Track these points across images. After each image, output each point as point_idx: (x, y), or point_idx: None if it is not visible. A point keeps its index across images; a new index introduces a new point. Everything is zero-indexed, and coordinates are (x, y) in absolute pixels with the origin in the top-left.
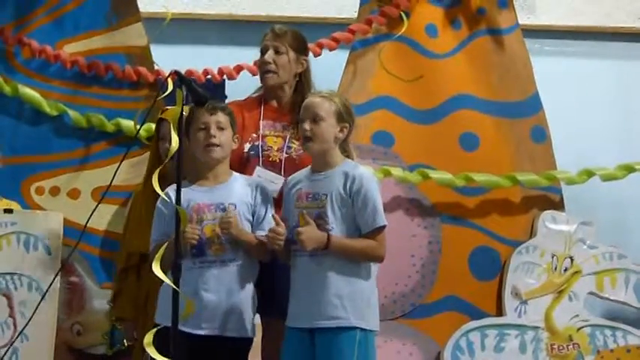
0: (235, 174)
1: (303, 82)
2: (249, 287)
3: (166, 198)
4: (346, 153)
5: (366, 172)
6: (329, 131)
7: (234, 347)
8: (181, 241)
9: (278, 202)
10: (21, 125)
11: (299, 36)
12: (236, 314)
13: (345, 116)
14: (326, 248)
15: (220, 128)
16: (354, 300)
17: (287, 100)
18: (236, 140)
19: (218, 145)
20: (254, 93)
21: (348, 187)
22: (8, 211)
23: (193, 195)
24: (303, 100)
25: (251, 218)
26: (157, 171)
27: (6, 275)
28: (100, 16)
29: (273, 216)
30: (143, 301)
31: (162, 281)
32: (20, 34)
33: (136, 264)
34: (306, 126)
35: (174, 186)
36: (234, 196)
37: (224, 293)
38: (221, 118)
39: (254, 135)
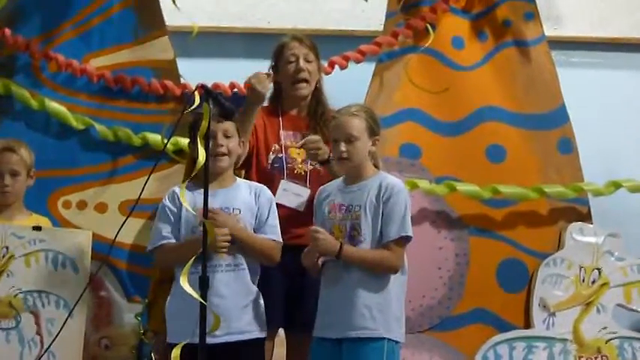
0: (239, 179)
1: (318, 87)
2: (255, 290)
3: (192, 210)
4: (374, 160)
5: (398, 183)
6: (363, 149)
7: (247, 351)
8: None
9: (306, 214)
10: (48, 139)
11: (315, 42)
12: (246, 319)
13: (375, 129)
14: (337, 257)
15: (227, 136)
16: (383, 311)
17: (305, 107)
18: (241, 145)
19: (225, 154)
20: (269, 104)
21: (380, 196)
22: (37, 228)
23: (198, 198)
24: (319, 104)
25: (254, 223)
26: (184, 183)
27: (34, 293)
28: (126, 30)
29: None
30: None
31: (179, 296)
32: (47, 48)
33: (171, 277)
34: (342, 147)
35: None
36: (239, 201)
37: (233, 298)
38: (228, 125)
39: (276, 146)
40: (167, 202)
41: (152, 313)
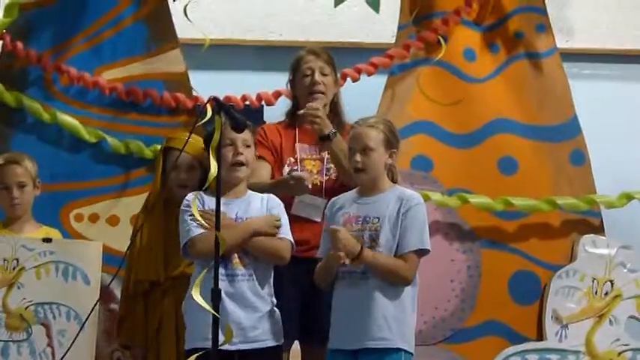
0: (249, 191)
1: (335, 101)
2: (269, 299)
3: (201, 219)
4: (391, 174)
5: (417, 196)
6: (379, 160)
7: (264, 359)
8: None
9: (321, 226)
10: (60, 152)
11: (331, 55)
12: (262, 328)
13: (392, 142)
14: (358, 257)
15: (246, 146)
16: (400, 322)
17: None
18: (256, 157)
19: (244, 164)
20: (286, 118)
21: (400, 209)
22: (47, 240)
23: (213, 206)
24: (336, 116)
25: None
26: (195, 198)
27: (44, 305)
28: (138, 42)
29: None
30: (155, 330)
31: (185, 304)
32: (59, 61)
33: (144, 290)
34: (357, 158)
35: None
36: (253, 211)
37: (250, 307)
38: (247, 135)
39: (291, 159)
40: (185, 208)
41: (124, 326)
